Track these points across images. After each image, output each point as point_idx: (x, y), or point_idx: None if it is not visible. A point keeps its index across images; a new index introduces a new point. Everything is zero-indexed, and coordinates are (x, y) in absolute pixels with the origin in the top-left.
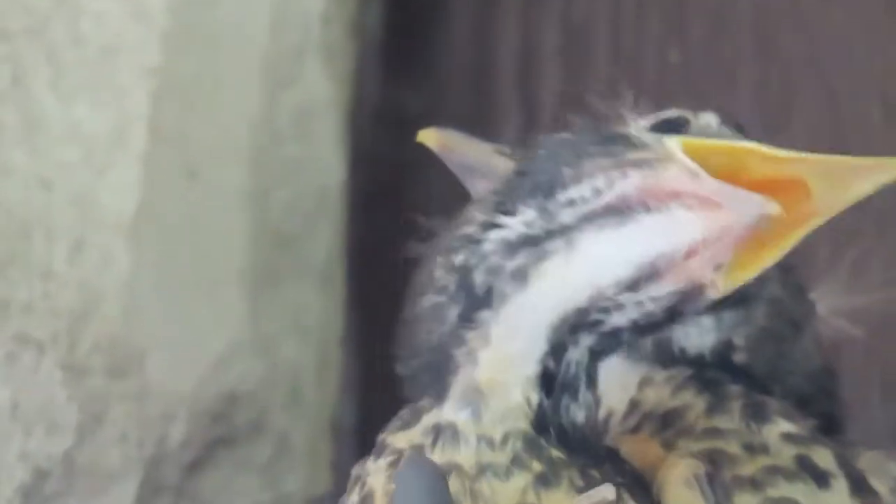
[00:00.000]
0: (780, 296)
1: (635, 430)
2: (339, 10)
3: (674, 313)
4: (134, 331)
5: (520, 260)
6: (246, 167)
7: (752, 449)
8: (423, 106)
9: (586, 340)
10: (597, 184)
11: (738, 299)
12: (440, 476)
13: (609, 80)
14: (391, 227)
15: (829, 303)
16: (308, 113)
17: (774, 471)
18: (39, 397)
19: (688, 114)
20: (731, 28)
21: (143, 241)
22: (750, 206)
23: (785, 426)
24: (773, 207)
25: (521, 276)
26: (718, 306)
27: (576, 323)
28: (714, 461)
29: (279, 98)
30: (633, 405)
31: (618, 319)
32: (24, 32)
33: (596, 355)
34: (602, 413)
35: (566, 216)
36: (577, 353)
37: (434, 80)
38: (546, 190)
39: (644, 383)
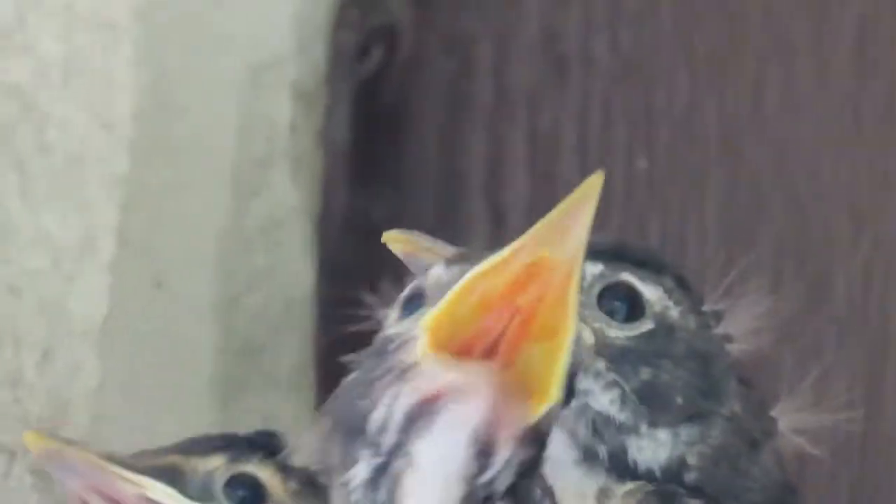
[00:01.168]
0: (738, 412)
1: None
2: (305, 118)
3: (532, 462)
4: (102, 438)
5: (382, 493)
6: (213, 276)
7: None
8: (391, 214)
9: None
10: (388, 402)
11: (696, 415)
12: None
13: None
14: (360, 336)
15: (790, 420)
16: (275, 221)
17: None
18: (11, 502)
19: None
20: (697, 137)
21: (112, 350)
22: (478, 378)
23: None
24: (486, 366)
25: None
26: (675, 421)
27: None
28: None
29: (246, 206)
30: None
31: (501, 484)
32: None
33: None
34: None
35: (389, 439)
36: None
37: (401, 187)
38: (357, 430)
39: (603, 495)
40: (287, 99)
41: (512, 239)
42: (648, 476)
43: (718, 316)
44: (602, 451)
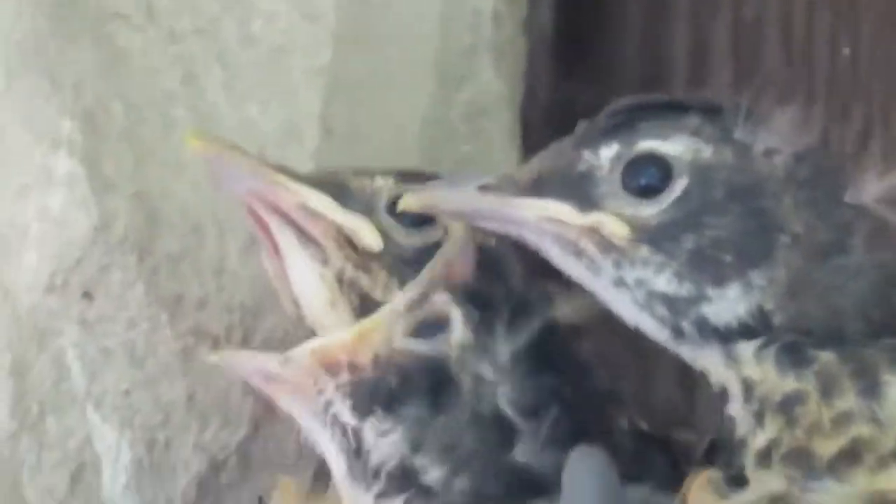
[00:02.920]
0: (800, 231)
1: (757, 424)
2: (509, 8)
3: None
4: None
5: None
6: (418, 164)
7: (880, 424)
8: (594, 103)
9: None
10: None
11: (756, 257)
12: (609, 467)
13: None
14: None
15: (871, 195)
16: (479, 110)
17: None
18: (215, 390)
19: None
20: None
21: None
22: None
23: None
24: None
25: None
26: (737, 273)
27: None
28: (857, 453)
29: (450, 96)
30: (747, 386)
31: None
32: (194, 33)
33: None
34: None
35: None
36: None
37: (604, 76)
38: None
39: (730, 358)
40: None
41: None
42: (748, 332)
43: (756, 134)
44: (685, 326)
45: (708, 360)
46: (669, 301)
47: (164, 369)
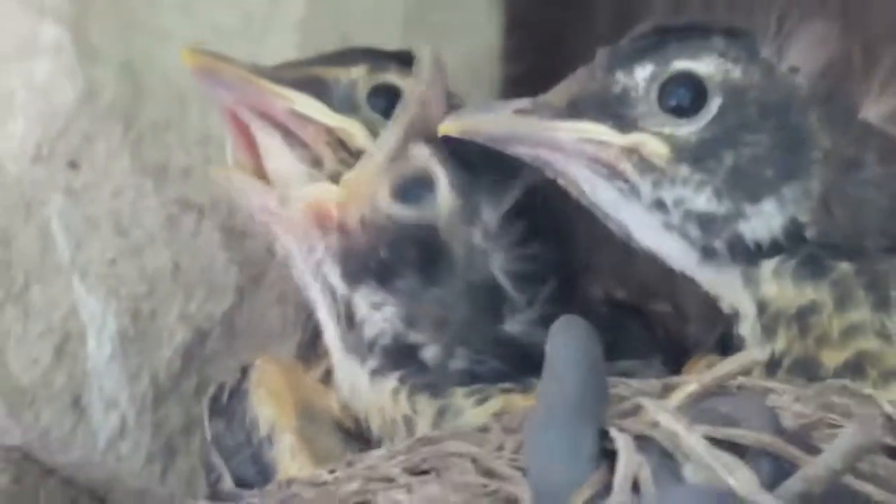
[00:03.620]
0: (828, 146)
1: (766, 339)
2: None
3: None
4: None
5: None
6: (400, 32)
7: (888, 338)
8: None
9: None
10: None
11: (791, 171)
12: (592, 336)
13: None
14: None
15: (880, 112)
16: None
17: None
18: (200, 260)
19: None
20: None
21: None
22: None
23: None
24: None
25: None
26: (773, 187)
27: None
28: (861, 367)
29: None
30: (762, 306)
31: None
32: None
33: None
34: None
35: None
36: None
37: None
38: None
39: (749, 279)
40: None
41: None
42: (775, 249)
43: (780, 52)
44: (718, 244)
45: (726, 284)
46: (707, 220)
47: (150, 238)
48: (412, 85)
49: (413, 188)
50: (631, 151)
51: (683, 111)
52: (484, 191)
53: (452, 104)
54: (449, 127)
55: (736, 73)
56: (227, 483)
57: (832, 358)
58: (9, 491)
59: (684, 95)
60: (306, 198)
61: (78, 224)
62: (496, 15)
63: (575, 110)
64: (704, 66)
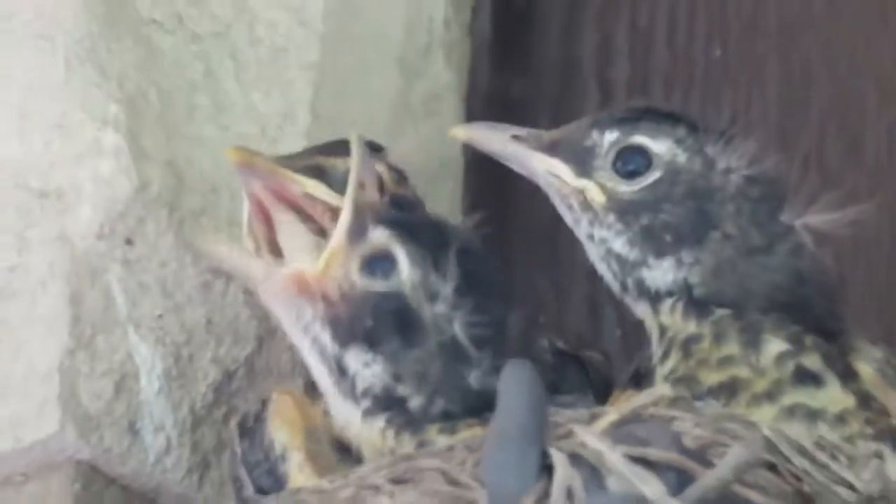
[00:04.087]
0: (733, 231)
1: (664, 356)
2: (457, 16)
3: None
4: None
5: None
6: (386, 140)
7: (759, 370)
8: (523, 91)
9: None
10: None
11: (692, 241)
12: (536, 377)
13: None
14: (502, 183)
15: (806, 221)
16: (434, 97)
17: (780, 383)
18: (227, 315)
19: None
20: (760, 31)
21: None
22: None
23: (776, 346)
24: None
25: None
26: (675, 250)
27: None
28: (734, 388)
29: (411, 85)
30: (662, 330)
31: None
32: (212, 35)
33: None
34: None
35: None
36: None
37: (531, 70)
38: None
39: (654, 310)
40: (443, 0)
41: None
42: (668, 296)
43: (721, 153)
44: (629, 282)
45: (641, 311)
46: (621, 261)
47: (188, 299)
48: (351, 170)
49: (379, 263)
50: (579, 192)
51: (627, 174)
52: (431, 266)
53: (406, 183)
54: (458, 132)
55: (681, 159)
56: (249, 491)
57: (709, 378)
58: (79, 496)
59: (632, 162)
60: (288, 270)
61: (132, 287)
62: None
63: (554, 149)
64: (658, 145)
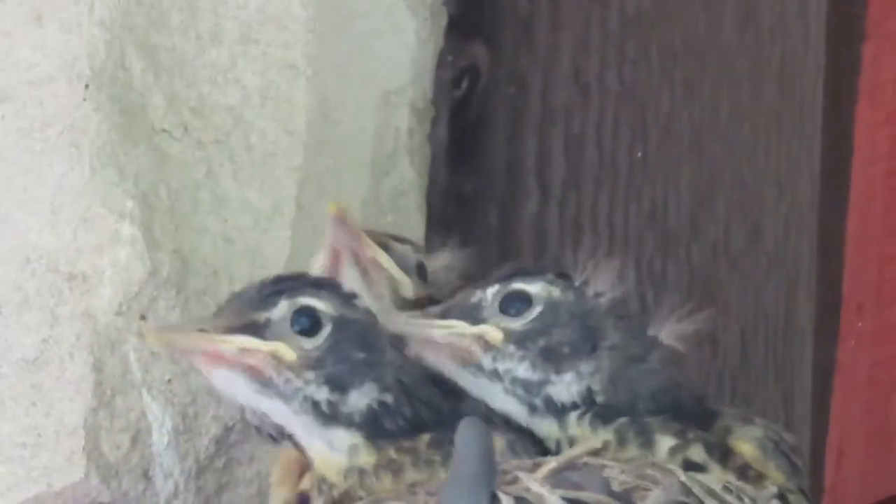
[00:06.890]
0: (617, 342)
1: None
2: (419, 126)
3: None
4: None
5: None
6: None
7: (655, 465)
8: (475, 188)
9: None
10: None
11: (585, 355)
12: (487, 432)
13: None
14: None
15: (665, 333)
16: (400, 194)
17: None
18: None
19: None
20: (675, 138)
21: None
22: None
23: (666, 443)
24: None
25: None
26: (572, 365)
27: None
28: (644, 485)
29: (380, 183)
30: (571, 442)
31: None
32: (214, 142)
33: None
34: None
35: None
36: None
37: (482, 171)
38: None
39: (563, 429)
40: (407, 113)
41: (553, 205)
42: (574, 408)
43: (588, 283)
44: (537, 402)
45: (548, 428)
46: (527, 384)
47: (193, 366)
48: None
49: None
50: (478, 337)
51: (514, 314)
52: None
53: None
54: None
55: (556, 293)
56: None
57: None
58: None
59: (515, 303)
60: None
61: (146, 356)
62: (423, 219)
63: (446, 314)
64: (534, 287)
